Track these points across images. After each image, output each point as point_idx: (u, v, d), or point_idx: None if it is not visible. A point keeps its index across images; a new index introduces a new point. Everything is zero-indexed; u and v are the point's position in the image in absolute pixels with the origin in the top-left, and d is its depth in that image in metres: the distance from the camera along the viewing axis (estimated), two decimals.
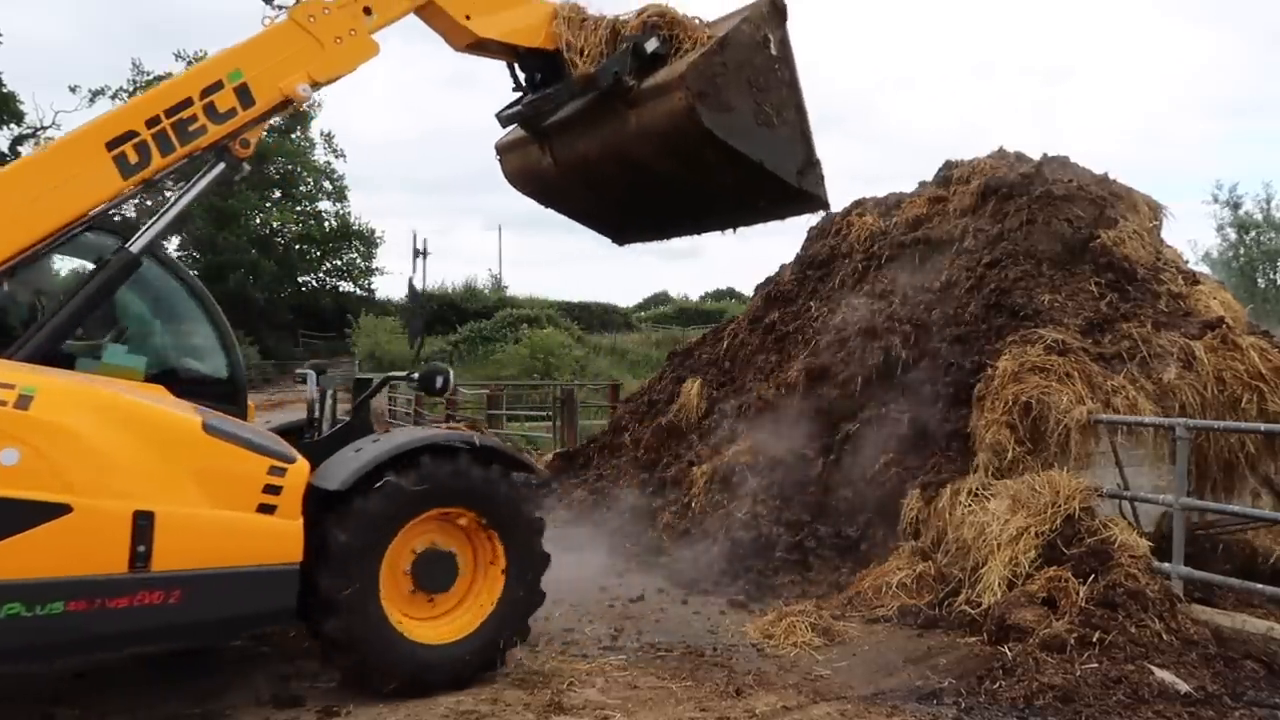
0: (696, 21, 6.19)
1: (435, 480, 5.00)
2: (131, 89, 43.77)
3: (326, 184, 46.23)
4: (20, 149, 37.02)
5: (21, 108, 35.40)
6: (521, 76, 6.64)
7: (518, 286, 54.32)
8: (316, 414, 5.69)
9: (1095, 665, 5.03)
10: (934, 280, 9.40)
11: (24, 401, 4.09)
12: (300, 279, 46.33)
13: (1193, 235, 49.81)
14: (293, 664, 5.49)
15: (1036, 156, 10.04)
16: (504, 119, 7.02)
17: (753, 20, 6.06)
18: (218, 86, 5.08)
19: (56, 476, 4.08)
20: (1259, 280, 39.74)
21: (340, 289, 47.56)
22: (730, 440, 9.38)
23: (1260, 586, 5.91)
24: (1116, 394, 7.35)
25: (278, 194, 44.85)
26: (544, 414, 18.66)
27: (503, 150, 7.34)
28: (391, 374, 5.79)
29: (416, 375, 5.74)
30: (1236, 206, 40.69)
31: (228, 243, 41.69)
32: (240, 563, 4.49)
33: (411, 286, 6.27)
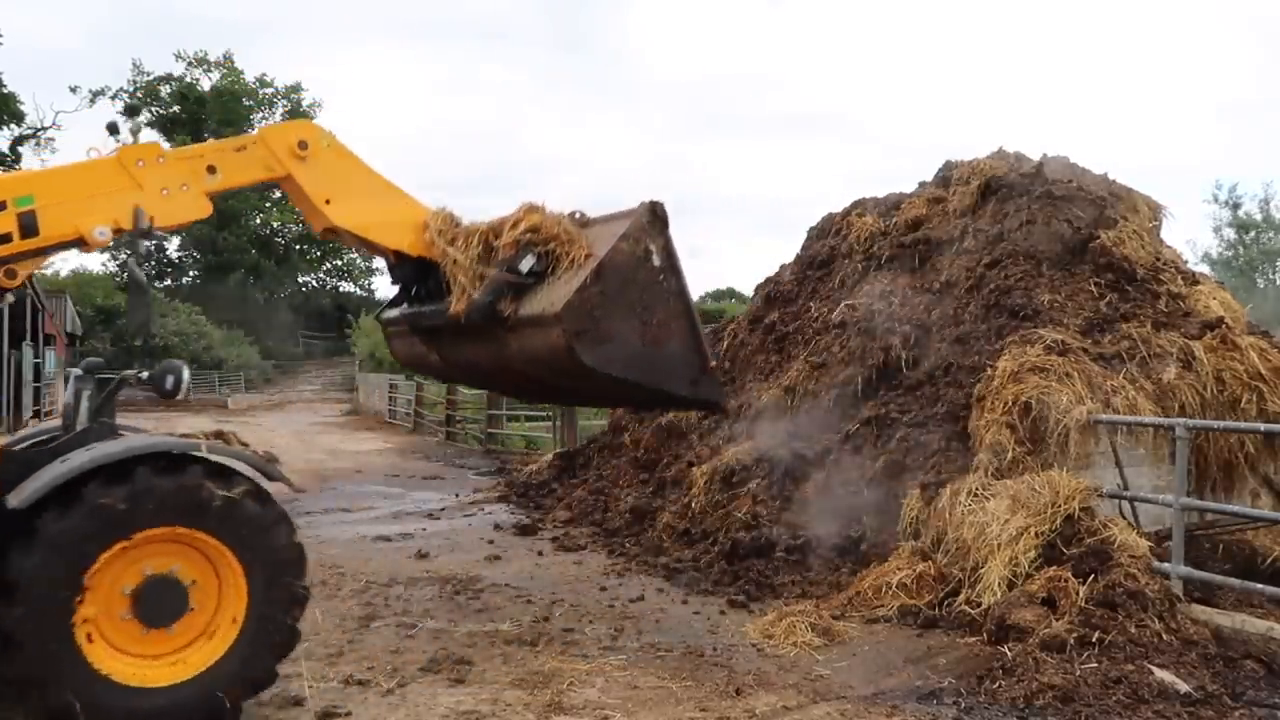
0: (573, 227, 5.81)
1: (152, 496, 4.27)
2: (132, 89, 43.82)
3: None
4: (20, 149, 36.98)
5: (22, 108, 35.37)
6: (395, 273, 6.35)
7: None
8: (71, 419, 5.03)
9: (1095, 665, 5.03)
10: (934, 280, 9.41)
11: None
12: (300, 279, 46.35)
13: (1192, 235, 49.83)
14: (293, 664, 5.49)
15: (1036, 156, 10.05)
16: (385, 321, 6.89)
17: (632, 236, 5.64)
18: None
19: None
20: (1259, 280, 39.76)
21: (340, 289, 47.60)
22: (730, 440, 9.39)
23: (1260, 586, 5.91)
24: (1116, 394, 7.35)
25: (278, 194, 44.84)
26: (544, 414, 18.67)
27: (388, 331, 7.04)
28: (126, 373, 5.10)
29: (146, 374, 4.98)
30: (1236, 207, 40.74)
31: (228, 243, 41.74)
32: None
33: (132, 269, 5.23)
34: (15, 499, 4.16)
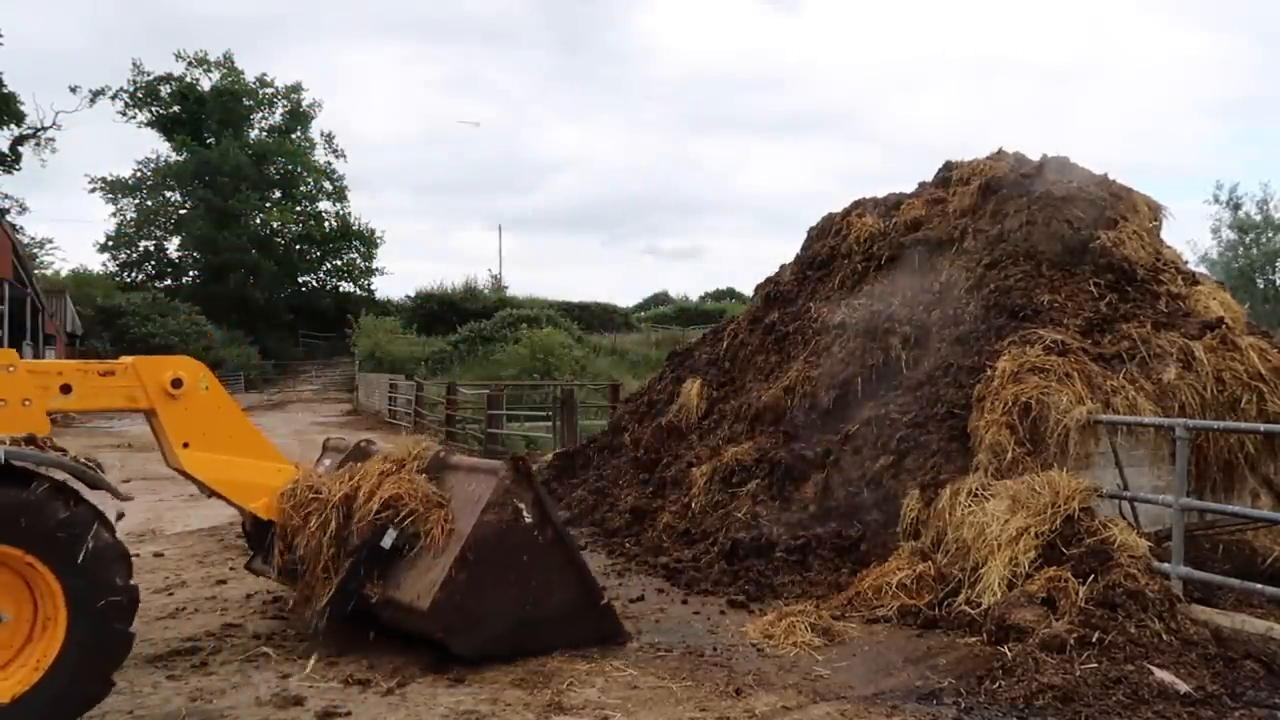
0: (432, 493, 5.64)
1: None
2: (132, 89, 43.81)
3: (327, 184, 46.29)
4: (20, 149, 36.98)
5: (22, 108, 35.35)
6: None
7: (518, 286, 54.36)
8: None
9: (1095, 665, 5.03)
10: (934, 281, 9.41)
11: None
12: (300, 279, 46.37)
13: (1192, 236, 49.83)
14: (293, 664, 5.49)
15: (1036, 157, 10.05)
16: (254, 570, 6.68)
17: (497, 503, 5.45)
18: None
19: None
20: (1258, 281, 39.77)
21: (340, 289, 47.62)
22: (730, 440, 9.40)
23: (1259, 586, 5.90)
24: (1116, 394, 7.36)
25: (278, 194, 44.90)
26: (544, 414, 18.68)
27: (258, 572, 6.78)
28: None
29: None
30: (1236, 207, 40.75)
31: (228, 243, 41.73)
32: None
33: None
34: None
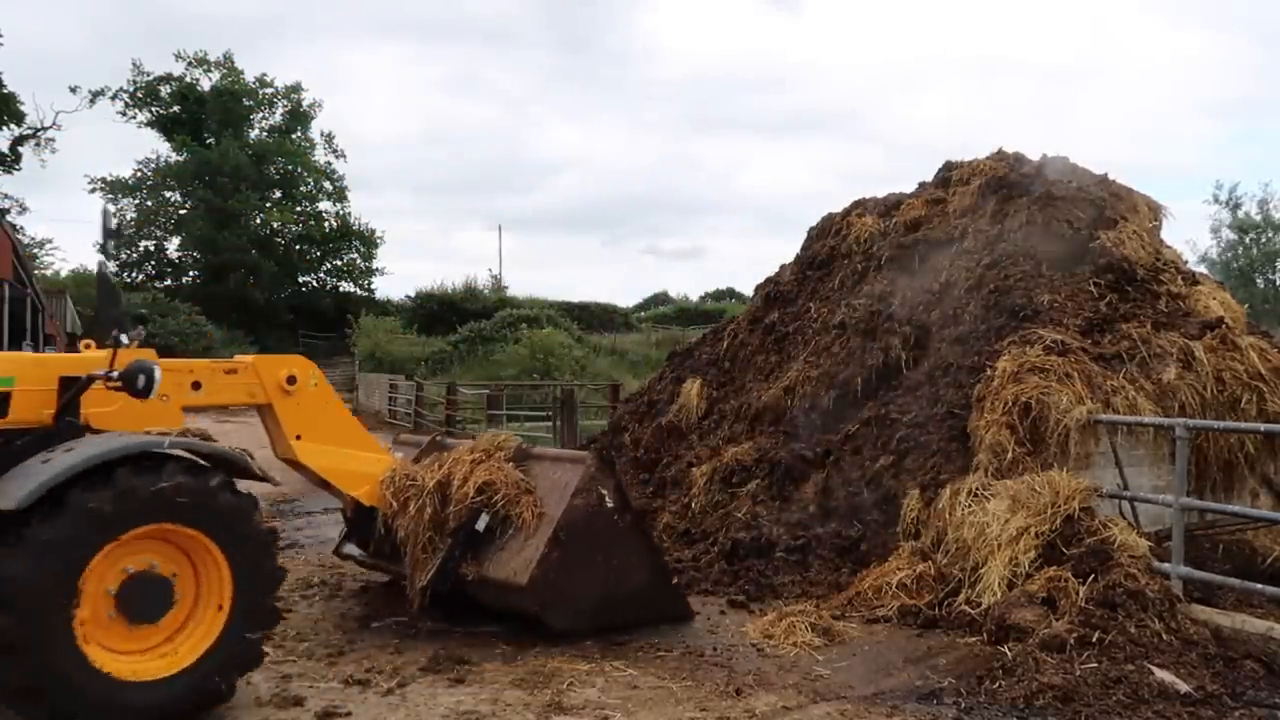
0: (521, 479, 6.08)
1: (135, 496, 4.29)
2: (132, 89, 43.74)
3: (327, 184, 46.27)
4: (20, 149, 36.97)
5: (22, 108, 35.34)
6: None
7: (518, 286, 54.33)
8: None
9: (1095, 665, 5.03)
10: (934, 281, 9.40)
11: None
12: (300, 279, 46.35)
13: (1192, 236, 49.83)
14: (293, 664, 5.49)
15: (1036, 157, 10.05)
16: (342, 555, 7.23)
17: (584, 489, 5.89)
18: None
19: None
20: (1258, 281, 39.77)
21: (340, 289, 47.59)
22: (730, 440, 9.39)
23: (1260, 586, 5.91)
24: (1116, 394, 7.36)
25: (278, 194, 44.87)
26: (544, 414, 18.66)
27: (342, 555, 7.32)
28: (95, 373, 4.96)
29: (116, 373, 4.89)
30: (1236, 207, 40.75)
31: (228, 243, 41.71)
32: None
33: (101, 268, 5.34)
34: (6, 502, 4.10)
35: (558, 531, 5.74)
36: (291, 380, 5.88)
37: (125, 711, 4.25)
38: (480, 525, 5.91)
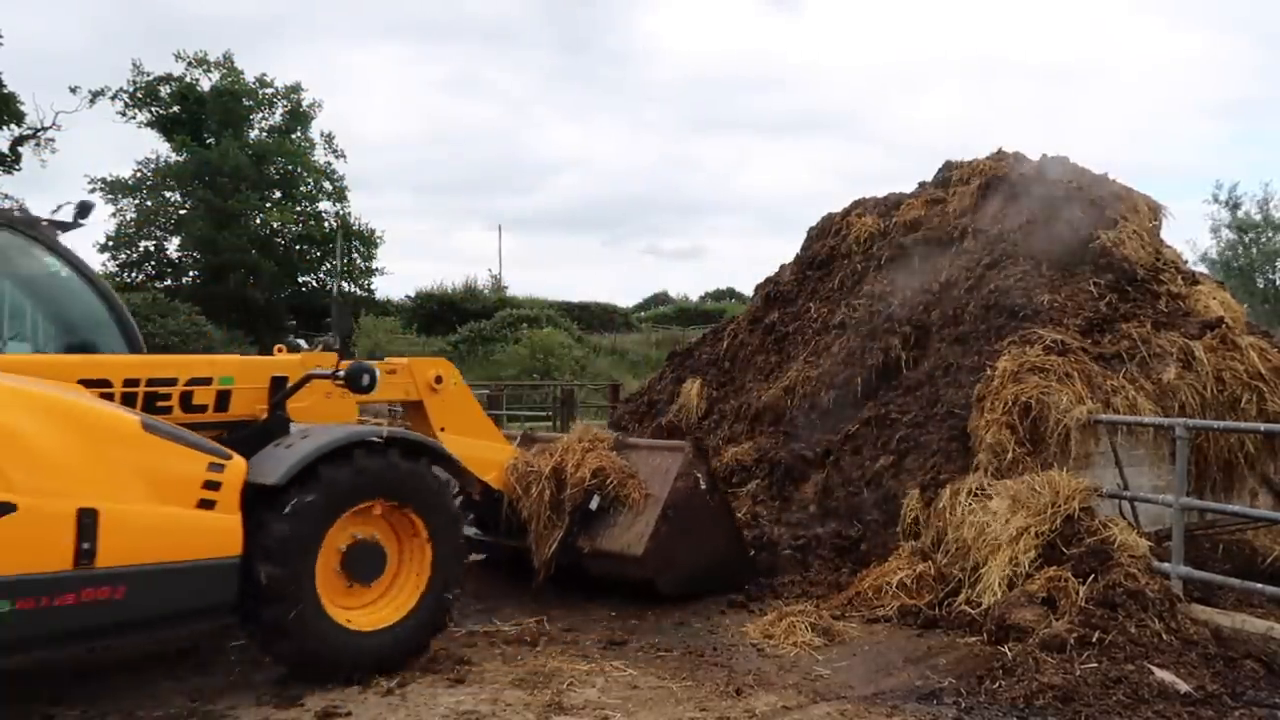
0: (625, 465, 6.86)
1: (367, 474, 5.13)
2: (132, 89, 43.67)
3: (327, 184, 46.21)
4: (20, 149, 36.95)
5: (22, 108, 35.31)
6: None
7: (518, 286, 54.24)
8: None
9: (1095, 665, 5.03)
10: (933, 281, 9.41)
11: None
12: (300, 279, 46.31)
13: (1192, 236, 49.76)
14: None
15: (1036, 157, 10.05)
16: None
17: (684, 474, 6.73)
18: (204, 381, 5.44)
19: (1, 475, 4.08)
20: (1258, 281, 39.75)
21: (341, 289, 47.51)
22: (730, 440, 9.39)
23: (1260, 586, 5.91)
24: (1116, 394, 7.36)
25: (278, 194, 44.82)
26: (544, 414, 18.66)
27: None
28: (313, 372, 5.72)
29: (342, 373, 5.68)
30: (1236, 207, 40.71)
31: (228, 243, 41.67)
32: (183, 557, 4.57)
33: (336, 286, 6.35)
34: (269, 477, 4.87)
35: (666, 509, 6.55)
36: (438, 380, 6.61)
37: (348, 654, 5.04)
38: (593, 505, 6.67)
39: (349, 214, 46.15)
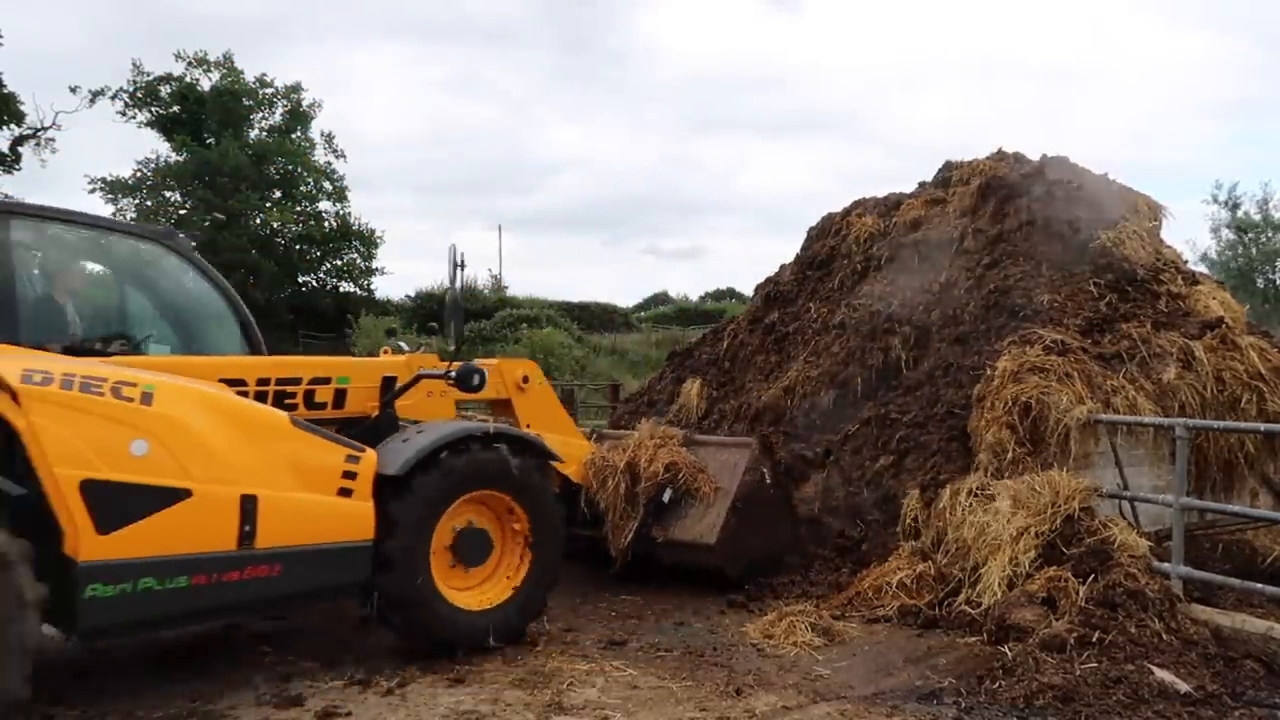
0: (696, 462, 7.29)
1: (479, 465, 5.59)
2: (132, 89, 43.64)
3: (327, 184, 46.19)
4: (20, 149, 36.93)
5: (22, 108, 35.30)
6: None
7: (518, 286, 54.17)
8: None
9: (1095, 665, 5.03)
10: (933, 281, 9.40)
11: (146, 398, 4.60)
12: (300, 279, 46.28)
13: (1192, 236, 49.70)
14: (293, 664, 5.50)
15: (1036, 157, 10.04)
16: None
17: (752, 468, 7.15)
18: (324, 381, 5.90)
19: (178, 464, 4.59)
20: (1258, 281, 39.73)
21: (340, 289, 47.51)
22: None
23: (1260, 586, 5.90)
24: (1116, 394, 7.35)
25: (278, 194, 44.80)
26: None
27: None
28: (425, 372, 6.19)
29: (454, 373, 6.16)
30: (1235, 207, 40.69)
31: (228, 243, 41.63)
32: (327, 539, 5.09)
33: (452, 292, 6.44)
34: (391, 468, 5.30)
35: (735, 502, 6.98)
36: (525, 380, 7.02)
37: (458, 630, 5.50)
38: (665, 498, 7.09)
39: (349, 214, 46.11)
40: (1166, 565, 6.06)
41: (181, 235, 5.80)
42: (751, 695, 5.04)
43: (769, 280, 11.49)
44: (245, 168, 41.97)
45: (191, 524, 4.60)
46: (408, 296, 45.80)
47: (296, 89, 46.16)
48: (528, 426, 6.79)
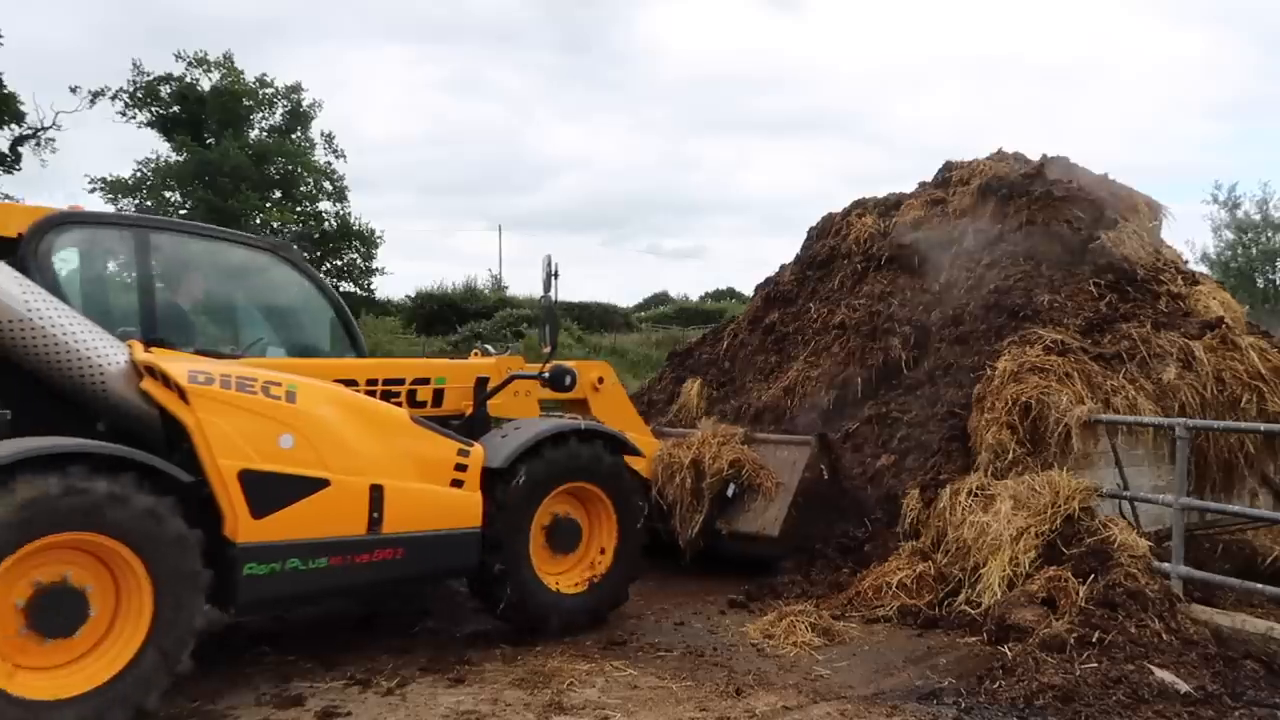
0: (758, 459, 7.66)
1: (574, 459, 6.04)
2: (132, 89, 43.61)
3: (327, 184, 46.16)
4: (20, 149, 36.93)
5: (22, 108, 35.30)
6: None
7: (518, 286, 54.12)
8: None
9: (1095, 665, 5.03)
10: (933, 281, 9.40)
11: (291, 396, 5.04)
12: None
13: (1192, 236, 49.67)
14: (293, 664, 5.49)
15: (1036, 157, 10.04)
16: None
17: (812, 465, 7.51)
18: (424, 381, 6.31)
19: (318, 457, 5.02)
20: (1258, 281, 39.73)
21: (340, 289, 47.52)
22: None
23: (1260, 586, 5.90)
24: (1116, 394, 7.35)
25: (278, 194, 44.77)
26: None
27: None
28: (515, 374, 6.60)
29: (547, 374, 6.60)
30: (1235, 207, 40.70)
31: None
32: (442, 526, 5.51)
33: (546, 300, 6.87)
34: (495, 461, 5.74)
35: (797, 496, 7.36)
36: (600, 380, 7.43)
37: (555, 611, 5.95)
38: (730, 492, 7.47)
39: (349, 214, 46.08)
40: (1166, 565, 6.06)
41: (295, 246, 6.18)
42: (751, 695, 5.04)
43: (769, 280, 11.48)
44: (245, 168, 41.96)
45: (329, 510, 5.04)
46: (408, 297, 45.75)
47: (296, 89, 46.12)
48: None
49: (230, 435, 4.78)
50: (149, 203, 44.00)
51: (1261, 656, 5.41)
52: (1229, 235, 41.00)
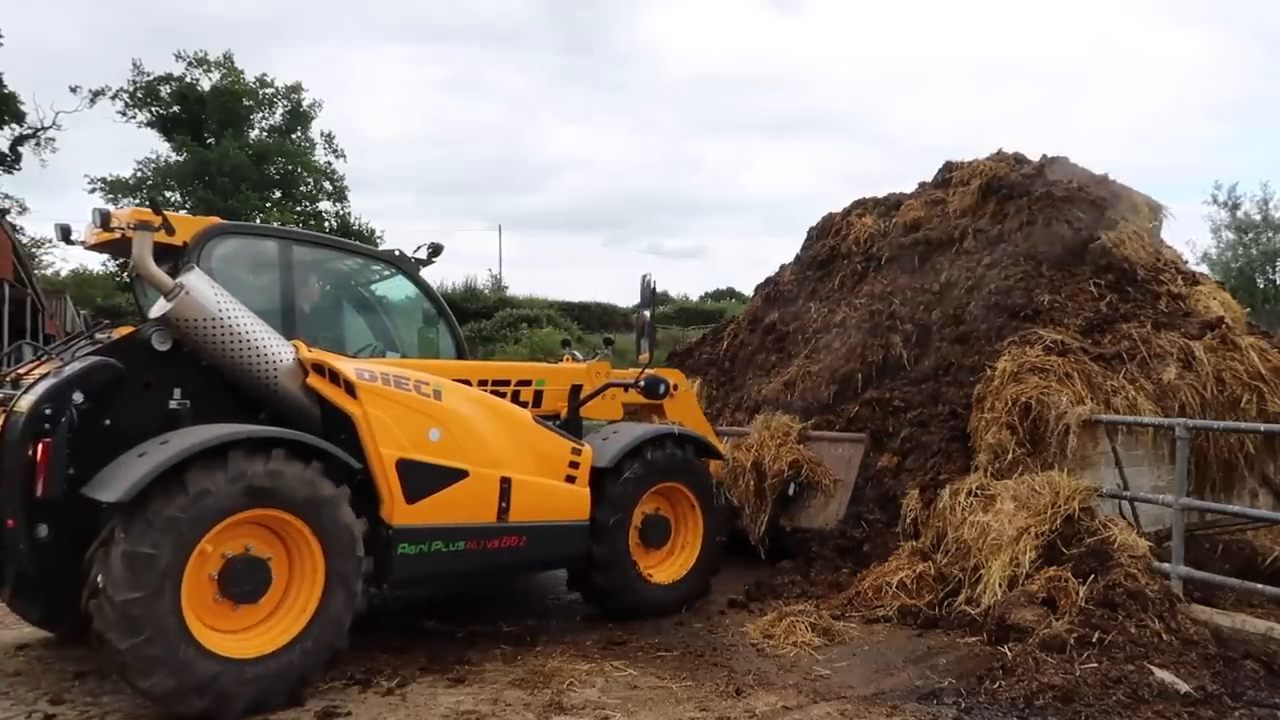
0: (815, 457, 8.02)
1: (670, 460, 6.58)
2: (132, 89, 43.61)
3: (327, 184, 46.16)
4: (21, 149, 36.93)
5: (22, 108, 35.30)
6: None
7: (518, 286, 54.11)
8: None
9: (1095, 665, 5.03)
10: (934, 281, 9.40)
11: (438, 394, 5.53)
12: None
13: (1192, 236, 49.63)
14: None
15: (1036, 157, 10.04)
16: None
17: (864, 464, 7.87)
18: (527, 383, 6.70)
19: (460, 450, 5.51)
20: (1258, 281, 39.71)
21: (645, 318, 47.38)
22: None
23: (1260, 586, 5.90)
24: (1116, 394, 7.35)
25: (278, 194, 44.76)
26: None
27: None
28: (612, 380, 7.04)
29: (642, 383, 7.00)
30: (1235, 207, 40.65)
31: None
32: (558, 518, 5.98)
33: (642, 316, 7.09)
34: (600, 461, 6.23)
35: (854, 491, 7.71)
36: (675, 387, 7.66)
37: (650, 598, 6.49)
38: (791, 491, 7.89)
39: (349, 214, 46.08)
40: (1166, 565, 6.06)
41: (412, 258, 6.60)
42: (751, 695, 5.04)
43: (769, 280, 11.49)
44: (245, 168, 41.95)
45: (467, 499, 5.53)
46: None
47: (296, 89, 46.13)
48: None
49: (390, 427, 5.26)
50: (149, 203, 43.97)
51: (1261, 656, 5.41)
52: (1229, 236, 40.98)
